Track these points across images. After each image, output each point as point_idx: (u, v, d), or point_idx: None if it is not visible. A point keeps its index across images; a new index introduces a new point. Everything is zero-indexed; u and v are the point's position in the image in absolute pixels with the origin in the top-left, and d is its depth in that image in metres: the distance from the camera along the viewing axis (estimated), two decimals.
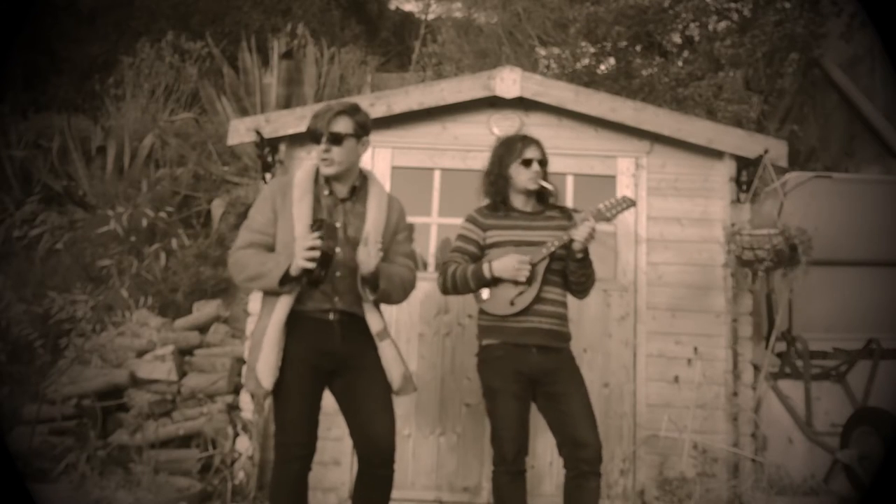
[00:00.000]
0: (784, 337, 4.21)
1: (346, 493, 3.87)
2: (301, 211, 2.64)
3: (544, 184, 2.96)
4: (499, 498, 2.85)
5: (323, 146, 2.65)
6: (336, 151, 2.66)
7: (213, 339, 4.50)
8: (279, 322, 2.59)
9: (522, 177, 2.96)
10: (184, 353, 4.36)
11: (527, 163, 2.96)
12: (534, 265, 2.86)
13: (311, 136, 2.70)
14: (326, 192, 2.73)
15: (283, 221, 2.66)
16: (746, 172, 4.13)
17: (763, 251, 3.79)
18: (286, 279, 2.55)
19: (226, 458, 3.81)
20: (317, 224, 2.56)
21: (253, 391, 2.62)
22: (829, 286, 4.30)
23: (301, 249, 2.50)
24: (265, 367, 2.56)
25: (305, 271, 2.51)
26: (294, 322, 2.62)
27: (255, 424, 3.85)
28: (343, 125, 2.68)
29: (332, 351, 2.65)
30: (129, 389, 4.15)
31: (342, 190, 2.75)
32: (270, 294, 2.64)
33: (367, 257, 2.59)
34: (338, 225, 2.68)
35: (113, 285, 4.20)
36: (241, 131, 4.17)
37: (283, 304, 2.60)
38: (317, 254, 2.48)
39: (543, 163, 2.99)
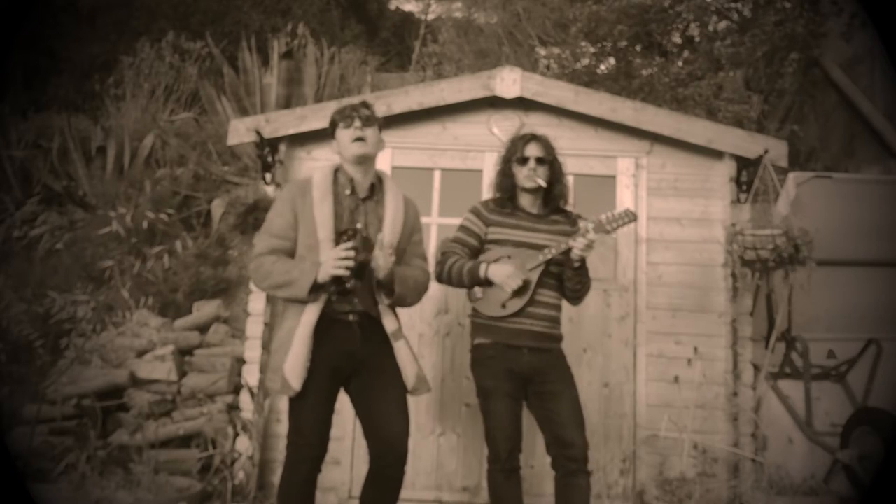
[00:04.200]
0: (784, 337, 4.22)
1: (346, 493, 3.87)
2: (323, 213, 2.65)
3: (539, 181, 2.95)
4: (494, 496, 2.86)
5: (357, 123, 2.71)
6: (369, 132, 2.73)
7: (213, 339, 4.50)
8: (310, 324, 2.60)
9: (519, 174, 2.98)
10: (184, 353, 4.36)
11: (522, 160, 2.97)
12: (529, 270, 2.86)
13: (343, 121, 2.74)
14: (348, 192, 2.74)
15: (305, 224, 2.67)
16: (746, 172, 4.13)
17: (766, 251, 3.80)
18: (315, 287, 2.56)
19: (226, 458, 3.80)
20: (350, 233, 2.56)
21: (279, 392, 2.61)
22: (829, 286, 4.30)
23: (333, 259, 2.52)
24: (295, 368, 2.56)
25: (335, 280, 2.53)
26: (316, 324, 2.63)
27: (255, 424, 3.85)
28: (371, 111, 2.79)
29: (352, 352, 2.66)
30: (129, 389, 4.15)
31: (363, 188, 2.77)
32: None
33: (382, 262, 2.61)
34: (359, 225, 2.70)
35: (114, 286, 4.20)
36: (241, 131, 4.17)
37: (314, 307, 2.62)
38: (351, 263, 2.50)
39: (544, 161, 2.97)
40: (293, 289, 2.59)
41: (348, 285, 2.55)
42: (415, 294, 2.82)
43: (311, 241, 2.63)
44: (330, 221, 2.64)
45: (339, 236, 2.58)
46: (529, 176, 2.95)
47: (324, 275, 2.54)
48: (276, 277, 2.62)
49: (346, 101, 2.88)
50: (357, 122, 2.72)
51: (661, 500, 3.80)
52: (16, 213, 5.36)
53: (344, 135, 2.74)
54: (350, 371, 2.68)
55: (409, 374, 2.73)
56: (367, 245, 2.56)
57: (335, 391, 2.70)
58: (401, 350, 2.74)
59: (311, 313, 2.61)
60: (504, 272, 2.85)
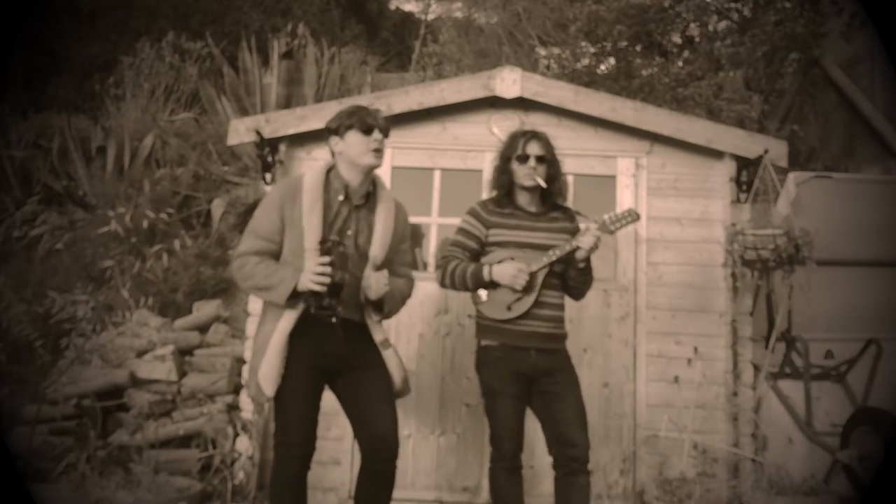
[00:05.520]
0: (784, 337, 4.22)
1: (346, 492, 3.87)
2: (312, 220, 2.63)
3: (539, 180, 2.94)
4: (496, 494, 2.88)
5: (378, 136, 2.70)
6: (384, 143, 2.74)
7: (213, 339, 4.49)
8: (284, 332, 2.59)
9: (519, 173, 2.96)
10: (184, 353, 4.36)
11: (522, 158, 2.95)
12: (534, 273, 2.86)
13: (362, 127, 2.69)
14: (342, 198, 2.72)
15: (292, 229, 2.64)
16: (746, 172, 4.13)
17: (766, 251, 3.80)
18: (294, 295, 2.56)
19: (226, 458, 3.81)
20: (327, 245, 2.54)
21: (254, 397, 2.62)
22: (829, 286, 4.30)
23: (310, 272, 2.51)
24: (268, 375, 2.56)
25: (313, 294, 2.53)
26: (297, 325, 2.62)
27: (255, 424, 3.85)
28: (386, 123, 2.78)
29: (334, 352, 2.65)
30: (129, 389, 4.15)
31: (358, 195, 2.75)
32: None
33: (376, 284, 2.62)
34: (349, 232, 2.69)
35: (113, 286, 4.20)
36: (241, 131, 4.17)
37: (290, 315, 2.61)
38: (326, 280, 2.49)
39: (544, 159, 2.96)
40: (272, 294, 2.58)
41: (324, 303, 2.54)
42: (400, 305, 2.85)
43: (297, 248, 2.61)
44: (318, 231, 2.61)
45: (321, 245, 2.55)
46: (529, 175, 2.94)
47: (303, 286, 2.53)
48: (258, 280, 2.61)
49: (361, 104, 2.84)
50: (378, 134, 2.70)
51: (661, 500, 3.80)
52: (16, 213, 5.36)
53: (361, 141, 2.69)
54: (334, 370, 2.68)
55: (397, 380, 2.76)
56: (343, 263, 2.53)
57: (319, 391, 2.69)
58: (390, 359, 2.75)
59: (286, 320, 2.59)
60: (509, 272, 2.84)
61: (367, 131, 2.69)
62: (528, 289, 2.86)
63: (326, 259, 2.50)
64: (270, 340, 2.58)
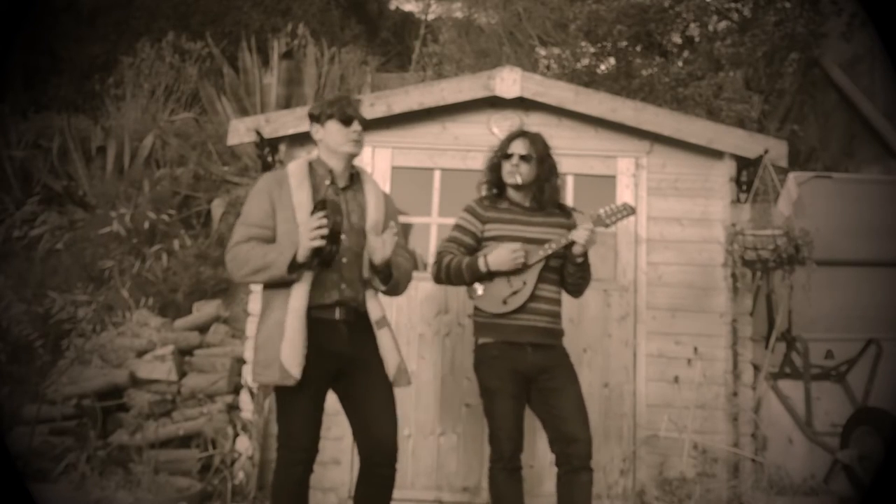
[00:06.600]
0: (784, 337, 4.22)
1: (346, 493, 3.87)
2: (301, 197, 2.66)
3: (518, 179, 2.96)
4: (495, 494, 2.87)
5: (357, 127, 2.75)
6: (363, 134, 2.78)
7: (213, 339, 4.50)
8: (300, 309, 2.56)
9: (503, 170, 3.00)
10: (184, 353, 4.36)
11: (506, 157, 2.99)
12: (529, 266, 2.86)
13: (341, 118, 2.73)
14: (328, 182, 2.75)
15: (283, 211, 2.66)
16: (747, 172, 4.13)
17: (766, 251, 3.80)
18: (294, 266, 2.54)
19: (226, 458, 3.81)
20: (320, 204, 2.57)
21: (277, 382, 2.55)
22: (829, 286, 4.30)
23: (307, 231, 2.50)
24: (292, 356, 2.52)
25: (315, 251, 2.51)
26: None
27: (255, 424, 3.85)
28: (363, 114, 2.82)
29: (338, 352, 2.65)
30: (129, 389, 4.15)
31: (343, 178, 2.79)
32: (278, 287, 2.62)
33: (383, 245, 2.62)
34: (330, 197, 2.71)
35: (113, 286, 4.21)
36: (241, 131, 4.17)
37: (300, 293, 2.58)
38: (325, 231, 2.48)
39: (529, 158, 2.97)
40: (272, 270, 2.55)
41: (326, 251, 2.51)
42: (405, 281, 2.83)
43: (290, 226, 2.61)
44: (308, 204, 2.63)
45: (315, 208, 2.57)
46: (511, 173, 2.97)
47: (303, 251, 2.51)
48: (255, 262, 2.58)
49: (339, 95, 2.92)
50: (357, 126, 2.74)
51: (661, 500, 3.80)
52: (16, 213, 5.36)
53: (340, 131, 2.73)
54: (337, 371, 2.67)
55: (390, 364, 2.71)
56: (336, 209, 2.53)
57: (323, 393, 2.68)
58: (384, 338, 2.72)
59: (297, 299, 2.57)
60: (505, 255, 2.85)
61: (347, 122, 2.74)
62: (524, 271, 2.86)
63: (321, 213, 2.51)
64: (286, 323, 2.55)
